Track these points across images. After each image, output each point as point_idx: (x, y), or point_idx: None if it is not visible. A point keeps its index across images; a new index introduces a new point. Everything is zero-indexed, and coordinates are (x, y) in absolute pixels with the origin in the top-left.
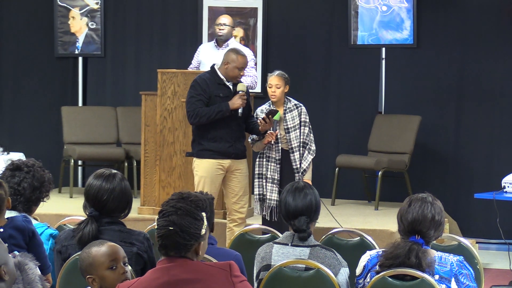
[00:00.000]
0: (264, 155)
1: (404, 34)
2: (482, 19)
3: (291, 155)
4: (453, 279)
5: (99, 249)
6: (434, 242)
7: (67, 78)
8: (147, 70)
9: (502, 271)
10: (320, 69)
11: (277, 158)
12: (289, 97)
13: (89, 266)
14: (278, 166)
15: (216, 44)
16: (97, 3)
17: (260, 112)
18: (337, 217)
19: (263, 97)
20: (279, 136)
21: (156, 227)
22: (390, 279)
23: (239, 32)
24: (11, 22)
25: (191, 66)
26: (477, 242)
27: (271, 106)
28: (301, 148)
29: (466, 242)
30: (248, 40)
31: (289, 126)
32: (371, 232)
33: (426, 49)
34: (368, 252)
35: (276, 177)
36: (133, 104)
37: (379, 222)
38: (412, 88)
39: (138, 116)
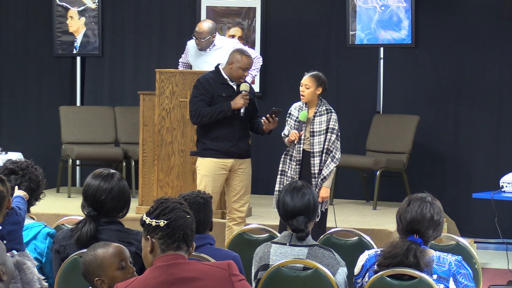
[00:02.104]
0: (288, 153)
1: (402, 33)
2: (480, 18)
3: (311, 159)
4: (451, 279)
5: (107, 250)
6: (433, 241)
7: (65, 78)
8: (145, 70)
9: (500, 270)
10: (318, 68)
11: (297, 158)
12: (324, 100)
13: (98, 268)
14: (298, 166)
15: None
16: (95, 3)
17: (294, 109)
18: (335, 216)
19: (261, 97)
20: (303, 137)
21: (168, 218)
22: (388, 278)
23: (237, 32)
24: (10, 21)
25: (181, 61)
26: (475, 242)
27: (304, 105)
28: (323, 154)
29: (464, 241)
30: (246, 40)
31: (315, 129)
32: (369, 231)
33: (424, 49)
34: (366, 251)
35: (295, 177)
36: (131, 104)
37: (377, 221)
38: (411, 87)
39: (136, 116)
